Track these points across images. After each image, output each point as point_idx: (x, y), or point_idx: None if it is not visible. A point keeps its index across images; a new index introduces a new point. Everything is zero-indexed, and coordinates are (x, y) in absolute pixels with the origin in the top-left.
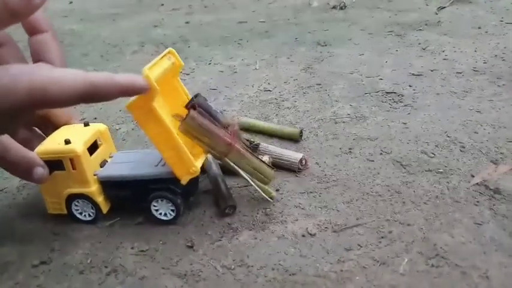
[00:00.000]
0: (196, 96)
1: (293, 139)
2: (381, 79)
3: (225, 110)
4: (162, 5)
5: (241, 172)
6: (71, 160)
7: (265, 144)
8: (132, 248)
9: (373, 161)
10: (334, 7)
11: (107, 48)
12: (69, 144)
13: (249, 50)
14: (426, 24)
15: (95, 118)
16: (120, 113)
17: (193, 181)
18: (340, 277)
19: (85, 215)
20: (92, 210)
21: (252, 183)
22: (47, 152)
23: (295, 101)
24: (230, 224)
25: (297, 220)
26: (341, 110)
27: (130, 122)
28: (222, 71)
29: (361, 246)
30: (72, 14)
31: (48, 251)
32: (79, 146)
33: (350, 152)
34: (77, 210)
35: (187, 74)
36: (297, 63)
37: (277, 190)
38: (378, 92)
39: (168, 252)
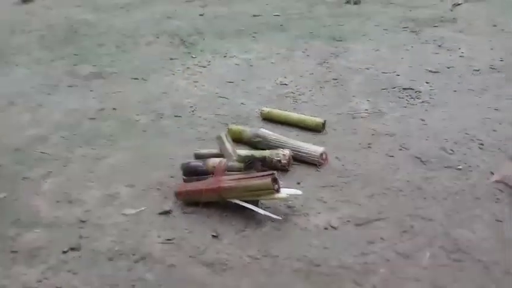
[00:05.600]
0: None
1: (316, 130)
2: (398, 75)
3: (242, 104)
4: None
5: (245, 204)
6: None
7: (285, 138)
8: (158, 236)
9: (392, 156)
10: (348, 2)
11: (121, 38)
12: None
13: (264, 44)
14: (441, 21)
15: (114, 109)
16: (139, 104)
17: None
18: (364, 269)
19: None
20: None
21: (258, 210)
22: None
23: (312, 96)
24: (254, 215)
25: (319, 213)
26: (359, 105)
27: (149, 113)
28: (238, 64)
29: (384, 240)
30: (85, 4)
31: (77, 237)
32: None
33: (369, 147)
34: None
35: (204, 67)
36: (312, 57)
37: (298, 183)
38: (394, 88)
39: (194, 241)
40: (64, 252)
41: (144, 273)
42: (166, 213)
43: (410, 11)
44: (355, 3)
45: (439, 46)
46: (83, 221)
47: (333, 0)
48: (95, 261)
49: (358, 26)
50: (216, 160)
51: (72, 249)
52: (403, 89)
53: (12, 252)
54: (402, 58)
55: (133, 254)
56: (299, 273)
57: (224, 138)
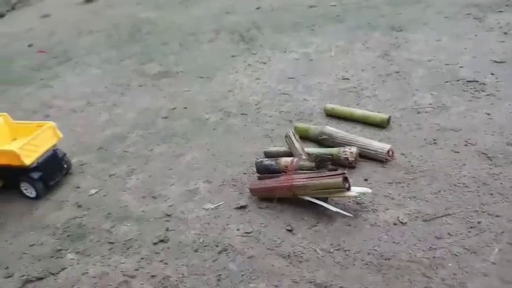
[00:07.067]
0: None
1: (380, 126)
2: (461, 67)
3: (305, 100)
4: None
5: (317, 201)
6: None
7: (352, 135)
8: (237, 229)
9: (458, 152)
10: None
11: (184, 36)
12: None
13: (323, 36)
14: (507, 5)
15: (185, 107)
16: (207, 103)
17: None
18: (433, 263)
19: None
20: None
21: (330, 207)
22: None
23: (375, 90)
24: (324, 211)
25: (387, 209)
26: (422, 99)
27: (218, 112)
28: (297, 59)
29: (451, 235)
30: (144, 1)
31: (164, 230)
32: None
33: (435, 143)
34: None
35: (264, 63)
36: (372, 49)
37: (365, 180)
38: (458, 80)
39: (270, 234)
40: (154, 243)
41: (227, 263)
42: (243, 208)
43: None
44: None
45: (505, 33)
46: (168, 215)
47: None
48: (182, 252)
49: (418, 14)
50: (288, 159)
51: (161, 241)
52: (467, 81)
53: (110, 243)
54: (465, 48)
55: (216, 246)
56: (371, 266)
57: (293, 137)
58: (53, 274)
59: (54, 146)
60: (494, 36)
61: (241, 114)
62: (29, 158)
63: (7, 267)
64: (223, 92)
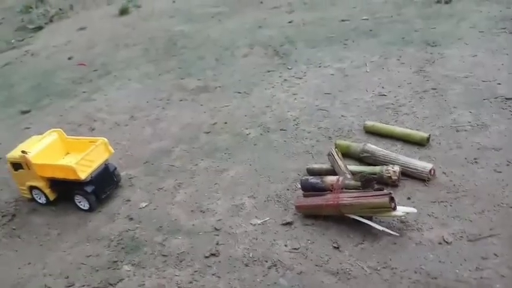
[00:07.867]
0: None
1: (420, 144)
2: (499, 83)
3: (343, 116)
4: (261, 2)
5: (363, 220)
6: (26, 163)
7: (394, 154)
8: (285, 245)
9: (500, 172)
10: (438, 1)
11: (219, 51)
12: (25, 154)
13: (356, 51)
14: None
15: (225, 123)
16: (246, 118)
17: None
18: (481, 284)
19: (41, 200)
20: (44, 197)
21: (376, 226)
22: (13, 157)
23: (413, 107)
24: (369, 229)
25: (432, 228)
26: (461, 117)
27: (257, 127)
28: (333, 74)
29: (497, 256)
30: (178, 14)
31: (214, 244)
32: (31, 155)
33: (476, 162)
34: (36, 196)
35: (300, 78)
36: (408, 65)
37: (408, 198)
38: (497, 97)
39: (317, 251)
40: (206, 257)
41: (278, 278)
42: (289, 224)
43: (507, 8)
44: (446, 2)
45: None
46: (217, 229)
47: (422, 0)
48: (233, 266)
49: (452, 28)
50: (334, 178)
51: (213, 254)
52: (506, 98)
53: (163, 255)
54: (502, 64)
55: (266, 261)
56: (418, 284)
57: (336, 155)
58: (111, 285)
59: (106, 160)
60: None
61: (280, 129)
62: (84, 173)
63: (67, 277)
64: (261, 107)
